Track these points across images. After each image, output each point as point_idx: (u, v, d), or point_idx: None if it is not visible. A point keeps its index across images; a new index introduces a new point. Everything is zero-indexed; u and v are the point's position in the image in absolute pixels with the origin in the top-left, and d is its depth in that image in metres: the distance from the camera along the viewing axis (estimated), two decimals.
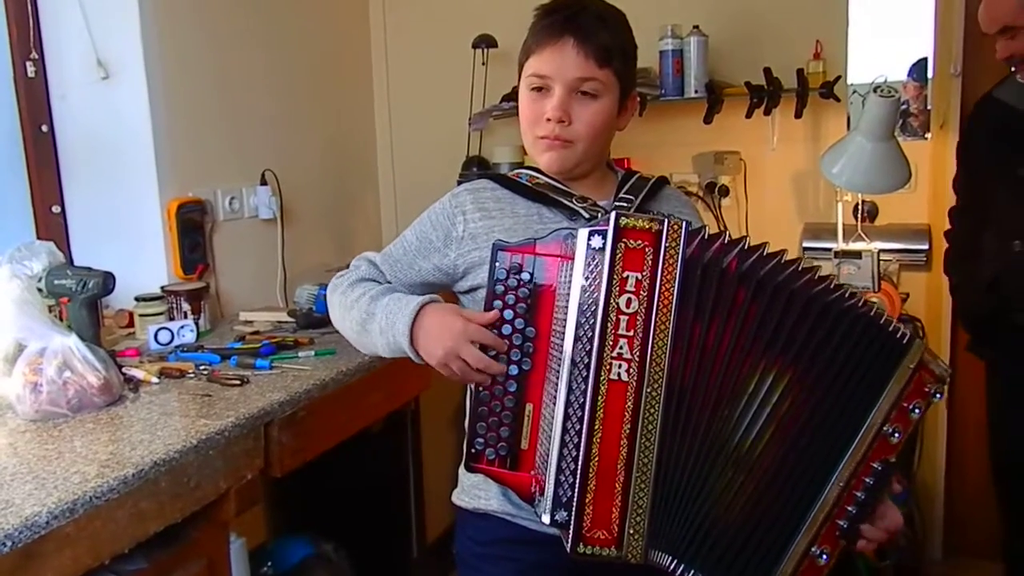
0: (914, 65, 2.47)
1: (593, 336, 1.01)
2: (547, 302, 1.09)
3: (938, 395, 1.08)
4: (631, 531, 1.03)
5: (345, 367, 1.79)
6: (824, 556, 1.08)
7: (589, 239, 1.03)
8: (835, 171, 2.20)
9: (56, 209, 2.26)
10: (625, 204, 1.22)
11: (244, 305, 2.40)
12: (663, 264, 1.01)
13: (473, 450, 1.12)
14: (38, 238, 2.19)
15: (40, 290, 1.75)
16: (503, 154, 2.72)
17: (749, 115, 2.51)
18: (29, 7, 2.16)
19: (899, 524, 1.13)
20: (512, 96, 2.73)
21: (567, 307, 1.05)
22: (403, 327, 1.14)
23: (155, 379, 1.72)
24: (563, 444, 1.04)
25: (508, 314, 1.10)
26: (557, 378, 1.06)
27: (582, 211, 1.19)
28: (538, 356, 1.10)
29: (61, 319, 1.78)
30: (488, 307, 1.11)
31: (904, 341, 1.07)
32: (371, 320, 1.20)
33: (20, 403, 1.51)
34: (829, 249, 2.42)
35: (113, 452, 1.34)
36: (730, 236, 1.06)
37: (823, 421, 1.07)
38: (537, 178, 1.26)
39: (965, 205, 2.16)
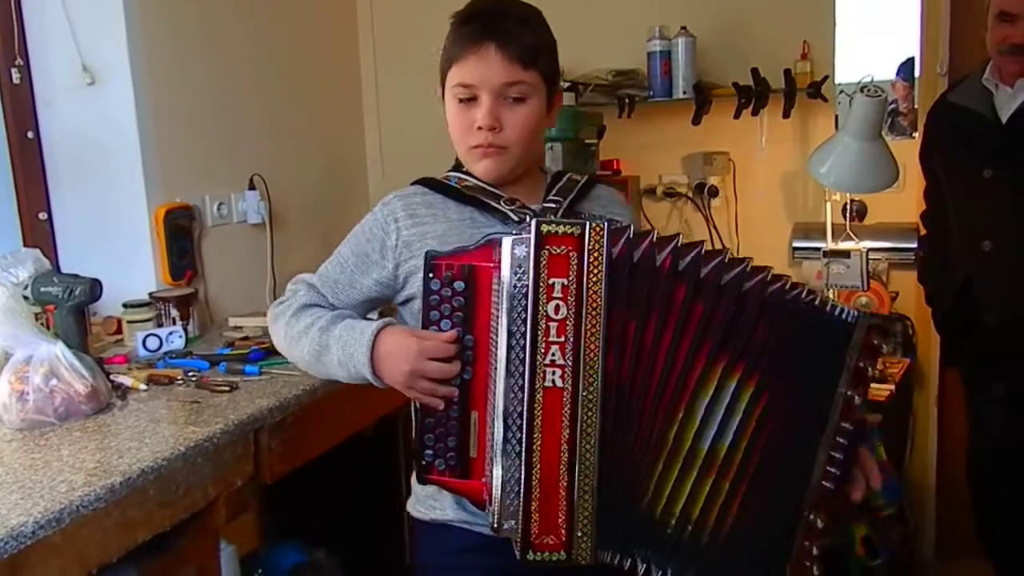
0: (902, 65, 2.48)
1: (525, 344, 1.02)
2: (483, 309, 1.09)
3: (884, 347, 1.10)
4: (579, 534, 1.05)
5: None
6: (820, 521, 1.09)
7: (513, 248, 1.03)
8: (823, 171, 2.21)
9: (43, 216, 2.25)
10: (553, 206, 1.21)
11: (233, 311, 2.39)
12: (588, 267, 1.01)
13: (424, 461, 1.12)
14: (24, 245, 2.17)
15: (26, 298, 1.74)
16: None
17: (737, 116, 2.51)
18: (13, 13, 2.15)
19: (871, 463, 1.14)
20: None
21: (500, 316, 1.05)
22: (363, 358, 1.13)
23: (143, 386, 1.71)
24: (505, 454, 1.04)
25: (446, 324, 1.10)
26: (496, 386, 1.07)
27: (511, 214, 1.19)
28: (479, 364, 1.10)
29: (48, 327, 1.76)
30: (425, 318, 1.11)
31: (852, 321, 1.07)
32: (326, 352, 1.18)
33: (6, 412, 1.49)
34: (818, 249, 2.43)
35: (100, 460, 1.33)
36: (658, 234, 1.05)
37: (798, 416, 1.07)
38: (467, 180, 1.24)
39: (934, 210, 2.19)
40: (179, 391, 1.71)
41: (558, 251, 1.01)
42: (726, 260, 1.04)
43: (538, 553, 1.05)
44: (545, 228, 1.01)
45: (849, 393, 1.07)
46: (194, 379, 1.75)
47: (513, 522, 1.05)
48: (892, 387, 2.17)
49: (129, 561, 1.32)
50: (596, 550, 1.06)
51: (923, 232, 2.30)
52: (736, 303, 1.04)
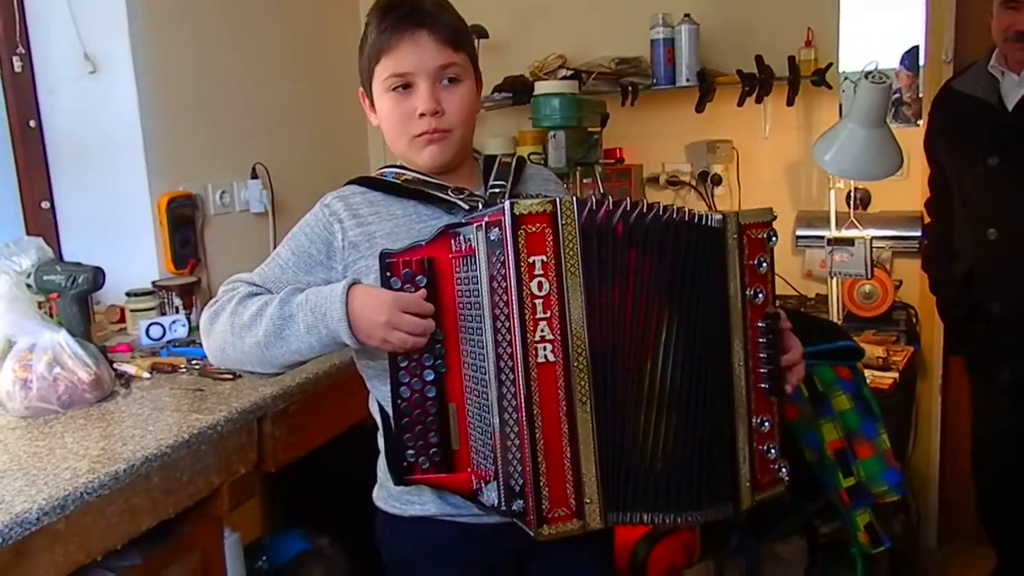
0: (906, 54, 2.46)
1: (512, 326, 1.02)
2: (448, 302, 1.10)
3: (773, 237, 1.12)
4: (587, 500, 1.05)
5: (338, 360, 1.77)
6: (766, 423, 1.12)
7: (488, 233, 1.03)
8: (827, 158, 2.20)
9: (45, 205, 2.25)
10: (498, 190, 1.22)
11: None
12: (563, 241, 1.02)
13: (405, 463, 1.12)
14: (27, 234, 2.17)
15: (29, 286, 1.74)
16: (495, 145, 2.71)
17: (741, 103, 2.50)
18: (15, 1, 2.14)
19: (799, 349, 1.18)
20: (504, 86, 2.71)
21: (475, 303, 1.06)
22: (337, 314, 1.09)
23: (146, 374, 1.72)
24: (505, 436, 1.05)
25: None
26: (479, 373, 1.07)
27: (461, 203, 1.18)
28: (450, 357, 1.11)
29: (51, 315, 1.77)
30: None
31: (716, 225, 1.09)
32: (289, 324, 1.12)
33: (10, 400, 1.50)
34: (822, 237, 2.42)
35: (104, 448, 1.33)
36: (612, 200, 1.06)
37: (702, 326, 1.09)
38: (404, 174, 1.23)
39: (938, 198, 2.18)
40: (182, 379, 1.71)
41: (534, 229, 1.01)
42: (659, 212, 1.07)
43: (553, 527, 1.04)
44: (518, 209, 1.01)
45: (749, 292, 1.10)
46: (197, 367, 1.75)
47: (521, 502, 1.05)
48: (896, 375, 2.17)
49: (133, 548, 1.33)
50: (605, 512, 1.06)
51: (927, 220, 2.29)
52: (669, 249, 1.07)
